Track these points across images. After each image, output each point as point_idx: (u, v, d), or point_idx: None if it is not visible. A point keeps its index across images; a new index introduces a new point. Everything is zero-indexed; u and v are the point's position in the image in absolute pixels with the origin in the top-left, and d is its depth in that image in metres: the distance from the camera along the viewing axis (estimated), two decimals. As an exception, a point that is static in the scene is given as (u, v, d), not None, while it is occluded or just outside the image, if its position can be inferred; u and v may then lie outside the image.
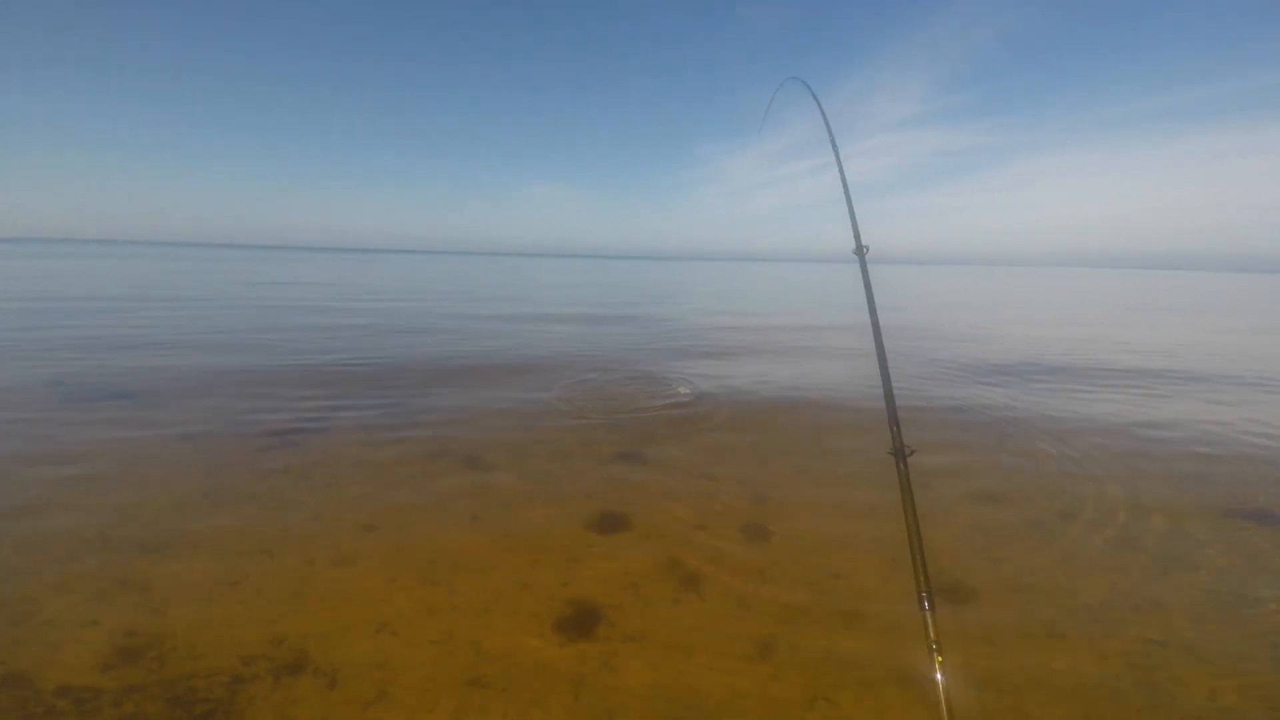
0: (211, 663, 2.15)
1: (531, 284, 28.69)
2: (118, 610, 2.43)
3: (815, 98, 2.65)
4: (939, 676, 1.56)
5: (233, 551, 2.91)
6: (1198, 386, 7.32)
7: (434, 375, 7.00)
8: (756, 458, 4.47)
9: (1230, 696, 2.12)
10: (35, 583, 2.61)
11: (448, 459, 4.25)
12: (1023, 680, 2.18)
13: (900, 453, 1.88)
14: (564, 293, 23.40)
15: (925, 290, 31.65)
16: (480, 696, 2.03)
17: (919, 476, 3.09)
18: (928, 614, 1.62)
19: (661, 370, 7.53)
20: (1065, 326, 14.48)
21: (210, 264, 40.99)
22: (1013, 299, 26.18)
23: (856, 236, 2.34)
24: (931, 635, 1.59)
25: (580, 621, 2.46)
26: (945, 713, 1.51)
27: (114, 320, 10.80)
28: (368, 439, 4.63)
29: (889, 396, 2.01)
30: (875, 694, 2.10)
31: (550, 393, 6.22)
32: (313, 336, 9.64)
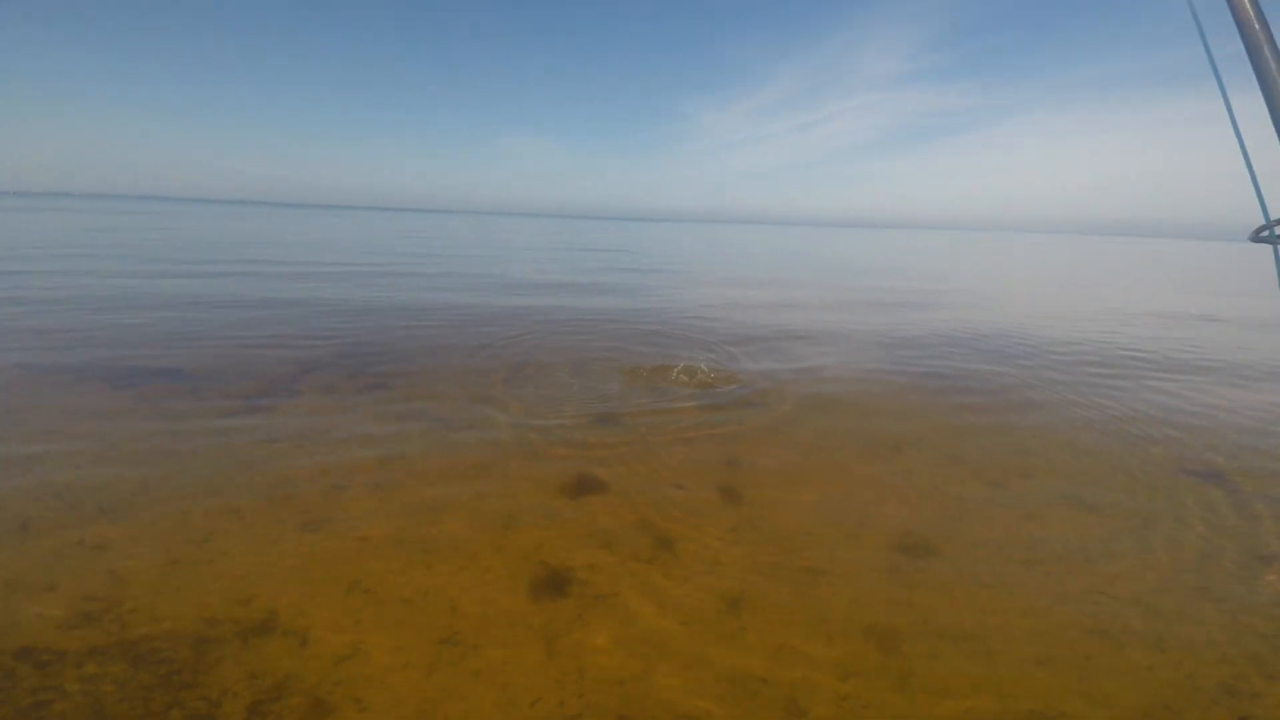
0: (175, 624, 2.11)
1: (508, 252, 23.40)
2: (76, 573, 2.37)
3: None
4: None
5: (198, 512, 2.84)
6: None
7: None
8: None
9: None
10: (-12, 545, 2.53)
11: (420, 421, 4.19)
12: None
13: None
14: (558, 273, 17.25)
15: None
16: (453, 653, 2.04)
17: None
18: None
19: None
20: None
21: (124, 218, 38.00)
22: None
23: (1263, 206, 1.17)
24: None
25: (553, 581, 2.47)
26: None
27: (38, 278, 10.35)
28: (337, 403, 4.54)
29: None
30: (838, 643, 2.17)
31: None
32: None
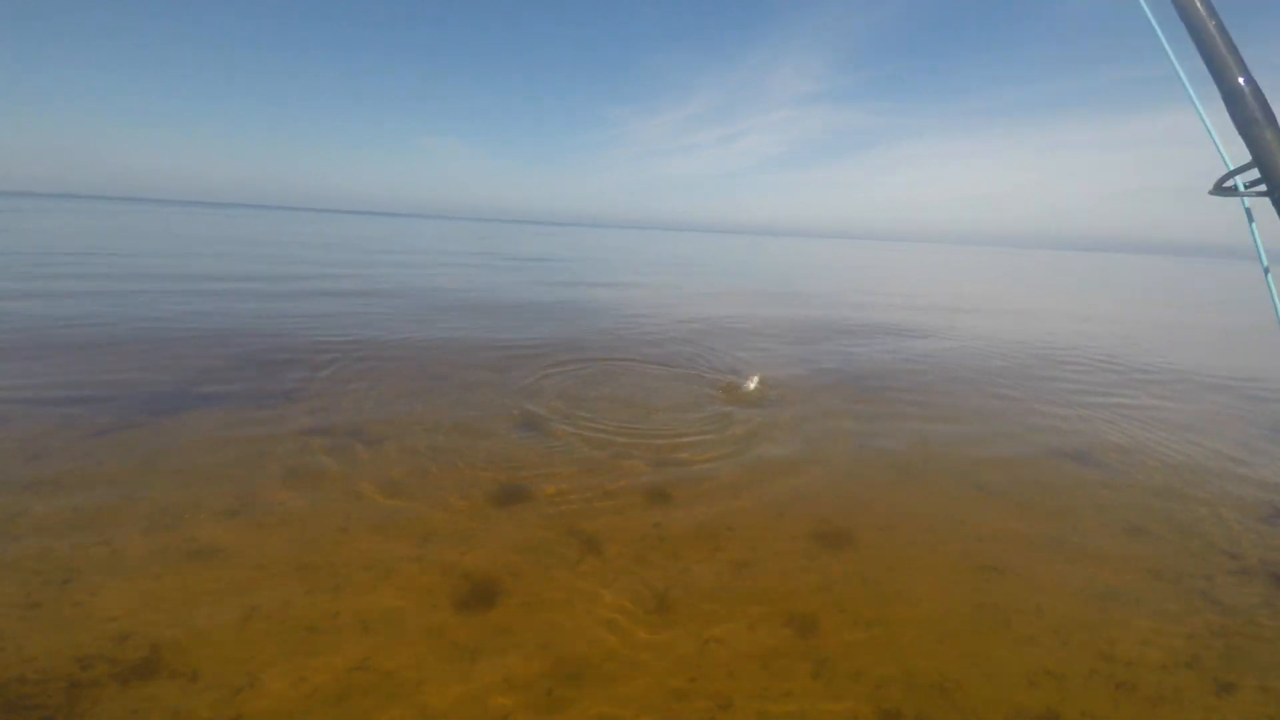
0: (44, 666, 1.90)
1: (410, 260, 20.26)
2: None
3: None
4: None
5: (64, 544, 2.56)
6: None
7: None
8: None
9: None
10: None
11: (327, 436, 3.96)
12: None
13: None
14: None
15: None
16: (366, 679, 1.94)
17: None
18: None
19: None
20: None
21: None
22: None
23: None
24: None
25: (476, 593, 2.41)
26: None
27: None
28: (229, 418, 4.23)
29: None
30: (762, 632, 2.24)
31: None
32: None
